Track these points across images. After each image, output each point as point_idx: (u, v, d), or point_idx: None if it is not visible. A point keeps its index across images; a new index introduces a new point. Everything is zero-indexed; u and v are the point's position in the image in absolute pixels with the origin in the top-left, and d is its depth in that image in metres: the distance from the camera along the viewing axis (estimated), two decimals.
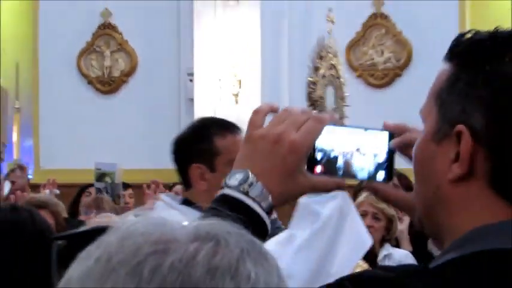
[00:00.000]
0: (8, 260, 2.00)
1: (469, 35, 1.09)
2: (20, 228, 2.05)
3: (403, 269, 1.07)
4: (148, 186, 6.12)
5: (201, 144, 2.63)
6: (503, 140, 1.01)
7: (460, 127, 1.02)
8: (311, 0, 8.63)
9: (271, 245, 2.37)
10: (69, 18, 9.08)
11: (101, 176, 6.98)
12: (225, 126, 2.72)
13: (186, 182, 2.66)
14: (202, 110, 8.20)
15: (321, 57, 7.74)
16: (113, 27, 9.24)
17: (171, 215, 2.60)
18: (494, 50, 1.05)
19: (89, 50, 9.27)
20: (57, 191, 6.68)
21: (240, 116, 7.63)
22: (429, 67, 6.51)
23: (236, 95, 8.26)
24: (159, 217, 0.69)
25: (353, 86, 8.22)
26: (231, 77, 8.28)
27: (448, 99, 1.06)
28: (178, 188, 5.30)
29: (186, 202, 2.71)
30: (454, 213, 1.06)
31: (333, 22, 7.73)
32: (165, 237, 0.64)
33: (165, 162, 7.70)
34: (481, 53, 1.06)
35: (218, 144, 2.62)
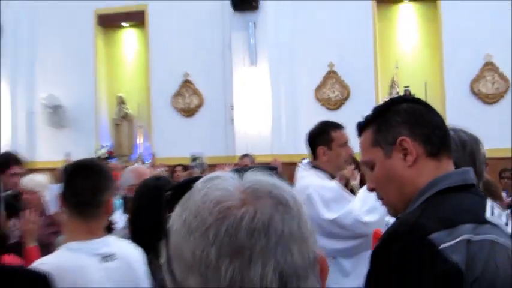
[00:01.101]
0: (155, 213, 2.21)
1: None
2: (162, 191, 1.70)
3: (397, 228, 1.26)
4: (216, 166, 6.70)
5: (323, 135, 3.16)
6: (421, 130, 1.38)
7: (402, 138, 1.36)
8: (295, 66, 10.40)
9: (362, 191, 3.00)
10: (166, 77, 11.03)
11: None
12: (335, 125, 3.24)
13: (315, 156, 3.17)
14: (239, 126, 9.99)
15: (392, 87, 9.47)
16: (189, 82, 11.07)
17: (307, 173, 3.21)
18: (389, 102, 1.42)
19: (177, 94, 11.16)
20: (165, 169, 7.83)
21: (260, 127, 9.98)
22: (360, 100, 9.53)
23: (258, 117, 9.85)
24: (224, 181, 0.76)
25: (318, 110, 10.34)
26: (255, 106, 9.83)
27: (382, 137, 1.40)
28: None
29: (314, 167, 3.25)
30: (417, 183, 1.35)
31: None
32: (223, 206, 0.73)
33: (219, 152, 12.07)
34: (384, 106, 1.43)
35: (333, 135, 3.17)
